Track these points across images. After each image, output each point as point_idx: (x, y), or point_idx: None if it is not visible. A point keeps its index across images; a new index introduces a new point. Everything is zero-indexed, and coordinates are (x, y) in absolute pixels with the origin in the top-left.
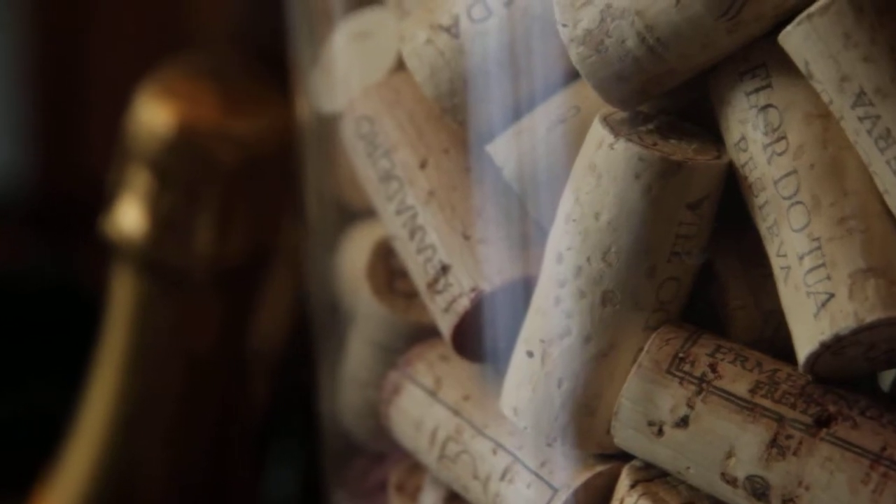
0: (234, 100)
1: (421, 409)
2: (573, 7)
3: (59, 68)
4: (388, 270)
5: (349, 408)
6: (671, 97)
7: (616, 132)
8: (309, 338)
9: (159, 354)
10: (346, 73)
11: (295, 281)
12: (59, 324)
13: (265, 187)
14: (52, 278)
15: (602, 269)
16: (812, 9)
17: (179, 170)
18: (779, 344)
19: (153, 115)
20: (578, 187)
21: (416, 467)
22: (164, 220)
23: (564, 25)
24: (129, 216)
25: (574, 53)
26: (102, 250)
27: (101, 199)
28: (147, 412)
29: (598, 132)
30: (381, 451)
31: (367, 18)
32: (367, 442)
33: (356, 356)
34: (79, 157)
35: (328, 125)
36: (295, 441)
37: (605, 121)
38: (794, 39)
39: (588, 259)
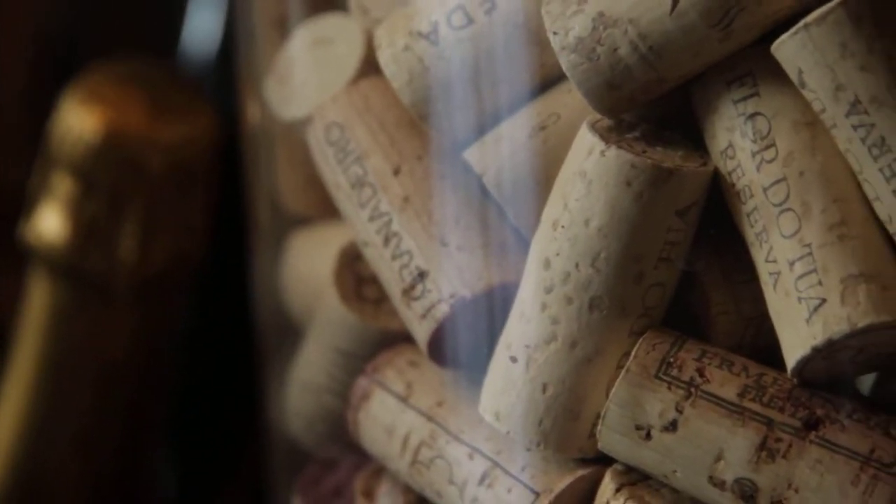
0: (161, 106)
1: (392, 415)
2: (564, 15)
3: None
4: (354, 277)
5: (300, 414)
6: (651, 105)
7: (606, 139)
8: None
9: (72, 361)
10: (306, 80)
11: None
12: None
13: (190, 195)
14: None
15: (591, 274)
16: (809, 18)
17: (104, 176)
18: (758, 349)
19: (79, 121)
20: (567, 194)
21: (381, 473)
22: (86, 226)
23: (555, 34)
24: (51, 222)
25: (565, 61)
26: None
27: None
28: (58, 418)
29: (587, 139)
30: (332, 458)
31: (327, 24)
32: (315, 449)
33: (314, 362)
34: None
35: (281, 132)
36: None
37: (594, 128)
38: (788, 48)
39: (577, 265)
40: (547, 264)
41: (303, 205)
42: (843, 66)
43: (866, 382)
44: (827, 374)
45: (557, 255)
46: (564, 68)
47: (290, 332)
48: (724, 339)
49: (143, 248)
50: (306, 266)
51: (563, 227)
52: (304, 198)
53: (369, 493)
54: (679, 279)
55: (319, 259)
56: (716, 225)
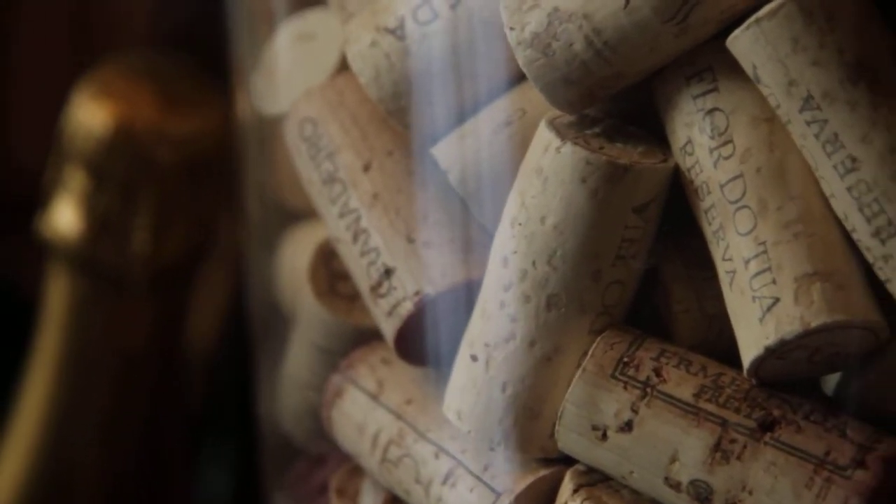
0: (172, 100)
1: (363, 412)
2: (520, 10)
3: None
4: (330, 273)
5: (289, 410)
6: (616, 100)
7: (563, 135)
8: (243, 337)
9: (92, 354)
10: (289, 75)
11: (229, 280)
12: None
13: (202, 187)
14: None
15: (547, 272)
16: (761, 13)
17: (116, 170)
18: (722, 347)
19: (90, 115)
20: (524, 191)
21: (356, 470)
22: (99, 220)
23: (511, 29)
24: (65, 216)
25: (521, 57)
26: (36, 249)
27: (30, 196)
28: (80, 410)
29: (544, 136)
30: (322, 454)
31: (311, 20)
32: (306, 444)
33: (297, 358)
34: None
35: (269, 126)
36: (229, 441)
37: (552, 124)
38: (741, 43)
39: (533, 263)
40: (505, 262)
41: (303, 199)
42: (795, 60)
43: (831, 382)
44: (785, 374)
45: (515, 252)
46: (521, 64)
47: (281, 327)
48: (686, 337)
49: (156, 240)
50: (291, 261)
51: (520, 224)
52: (303, 192)
53: (343, 491)
54: (643, 276)
55: (302, 255)
56: (679, 221)
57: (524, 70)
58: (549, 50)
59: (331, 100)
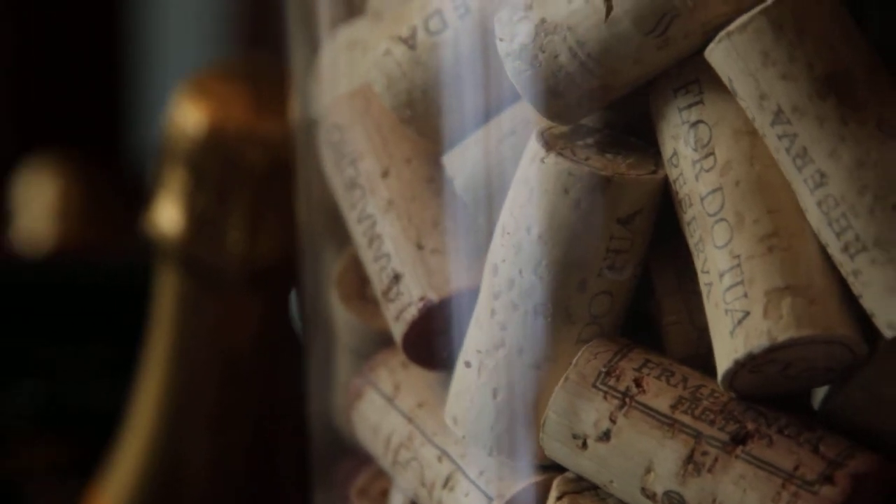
0: (265, 102)
1: (379, 414)
2: (511, 22)
3: None
4: (360, 277)
5: (337, 409)
6: (619, 111)
7: (549, 146)
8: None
9: (200, 352)
10: (337, 81)
11: None
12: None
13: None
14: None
15: (534, 281)
16: (732, 27)
17: (211, 170)
18: (713, 360)
19: (186, 116)
20: (513, 200)
21: (381, 472)
22: (198, 218)
23: (501, 40)
24: (167, 214)
25: (510, 68)
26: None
27: None
28: (190, 408)
29: (532, 146)
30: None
31: (360, 27)
32: (352, 444)
33: (339, 360)
34: None
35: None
36: None
37: (542, 135)
38: (716, 57)
39: (520, 272)
40: (495, 270)
41: None
42: (766, 74)
43: (818, 396)
44: (762, 388)
45: (503, 261)
46: (509, 75)
47: (328, 326)
48: (676, 348)
49: (250, 239)
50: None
51: (508, 233)
52: None
53: (365, 492)
54: (635, 288)
55: (336, 260)
56: (673, 233)
57: (512, 81)
58: (536, 61)
59: (358, 107)
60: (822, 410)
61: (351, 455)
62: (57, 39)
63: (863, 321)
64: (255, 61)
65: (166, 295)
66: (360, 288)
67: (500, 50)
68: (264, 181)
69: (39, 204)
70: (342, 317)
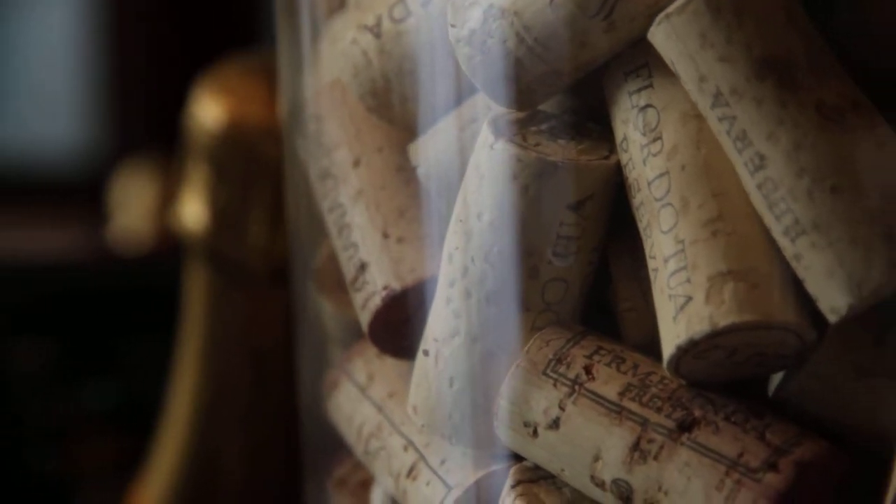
0: None
1: (352, 404)
2: (462, 7)
3: None
4: (337, 267)
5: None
6: (581, 96)
7: (499, 133)
8: None
9: (230, 346)
10: (325, 74)
11: None
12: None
13: None
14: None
15: (486, 269)
16: (670, 8)
17: (231, 165)
18: None
19: (206, 111)
20: (466, 188)
21: (360, 463)
22: (221, 212)
23: (453, 26)
24: (192, 209)
25: (460, 54)
26: None
27: None
28: (223, 402)
29: (483, 132)
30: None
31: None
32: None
33: (331, 352)
34: None
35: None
36: None
37: (494, 121)
38: (657, 39)
39: (472, 259)
40: (450, 258)
41: None
42: (704, 56)
43: (774, 383)
44: (711, 375)
45: (457, 248)
46: (460, 61)
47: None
48: (632, 335)
49: (272, 234)
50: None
51: (461, 220)
52: None
53: (344, 482)
54: (593, 275)
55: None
56: (629, 218)
57: (463, 67)
58: (485, 47)
59: (335, 97)
60: (776, 398)
61: (338, 447)
62: (156, 41)
63: (813, 307)
64: (274, 56)
65: (195, 291)
66: (339, 278)
67: (450, 36)
68: (283, 176)
69: (137, 205)
70: (323, 306)
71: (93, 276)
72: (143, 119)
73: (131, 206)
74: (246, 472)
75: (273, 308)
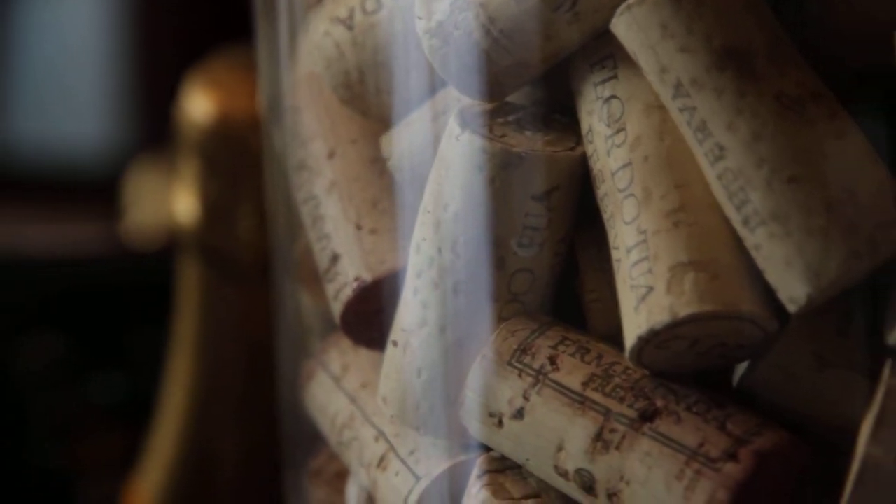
0: None
1: (327, 395)
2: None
3: None
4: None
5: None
6: (547, 88)
7: (465, 124)
8: None
9: (223, 340)
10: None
11: None
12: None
13: None
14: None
15: (452, 259)
16: None
17: (221, 159)
18: None
19: (196, 105)
20: (433, 179)
21: (336, 454)
22: (212, 206)
23: (420, 18)
24: (184, 203)
25: (426, 45)
26: None
27: None
28: (218, 396)
29: (450, 124)
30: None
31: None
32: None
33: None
34: None
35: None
36: None
37: (461, 113)
38: (620, 30)
39: (439, 250)
40: (418, 249)
41: None
42: (665, 47)
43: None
44: (673, 365)
45: (424, 239)
46: (426, 53)
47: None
48: (598, 325)
49: (262, 228)
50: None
51: (428, 211)
52: None
53: (319, 473)
54: (562, 266)
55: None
56: (595, 209)
57: (430, 59)
58: (451, 39)
59: (313, 88)
60: (739, 388)
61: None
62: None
63: (774, 298)
64: None
65: (188, 286)
66: (315, 270)
67: (418, 28)
68: None
69: (150, 201)
70: (304, 298)
71: (101, 271)
72: (167, 116)
73: (144, 202)
74: (241, 465)
75: (265, 302)
